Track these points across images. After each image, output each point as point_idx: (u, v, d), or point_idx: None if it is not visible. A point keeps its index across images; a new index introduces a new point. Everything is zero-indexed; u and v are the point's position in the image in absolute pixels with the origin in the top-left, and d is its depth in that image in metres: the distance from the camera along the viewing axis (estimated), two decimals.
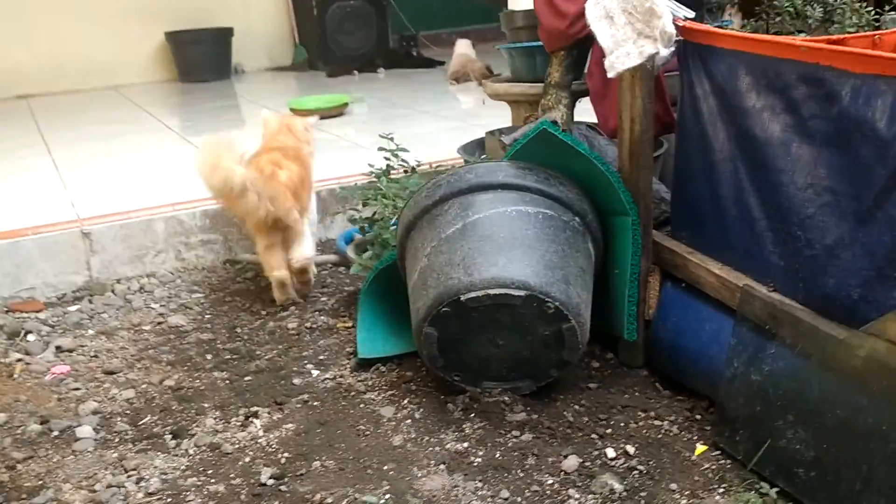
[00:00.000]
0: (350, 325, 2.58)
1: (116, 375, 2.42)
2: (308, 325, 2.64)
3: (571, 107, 2.57)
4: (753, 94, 1.77)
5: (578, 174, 2.06)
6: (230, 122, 5.00)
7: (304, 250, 2.73)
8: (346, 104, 4.89)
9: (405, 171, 2.78)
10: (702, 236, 2.01)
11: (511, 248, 1.90)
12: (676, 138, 2.04)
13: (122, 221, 3.13)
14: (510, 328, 1.93)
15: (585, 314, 1.95)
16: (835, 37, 2.25)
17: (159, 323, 2.77)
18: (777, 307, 1.73)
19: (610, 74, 1.90)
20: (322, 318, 2.68)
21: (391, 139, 2.79)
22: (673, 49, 1.84)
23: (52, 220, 3.09)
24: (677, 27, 1.87)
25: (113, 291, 3.04)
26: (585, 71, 2.59)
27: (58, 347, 2.61)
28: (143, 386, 2.35)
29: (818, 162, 1.66)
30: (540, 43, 2.82)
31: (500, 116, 4.38)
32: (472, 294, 1.87)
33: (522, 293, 1.86)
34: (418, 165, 2.99)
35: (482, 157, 2.64)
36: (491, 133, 2.81)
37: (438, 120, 4.59)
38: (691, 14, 1.90)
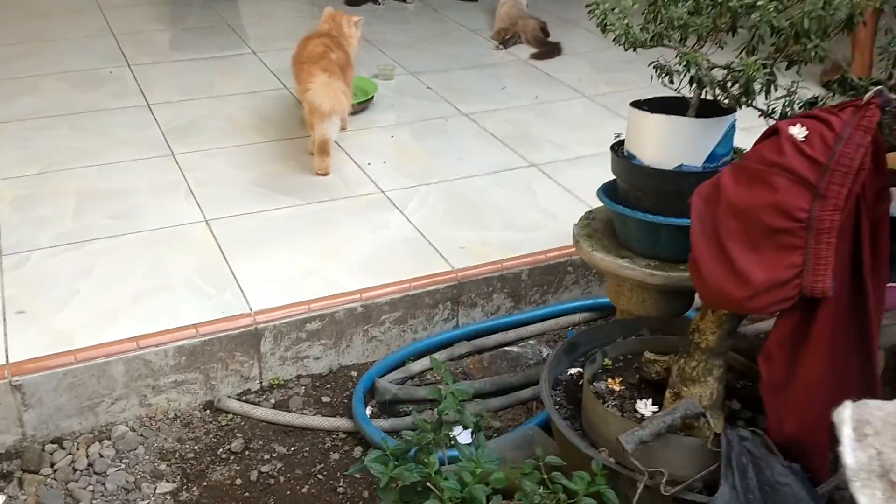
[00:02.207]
0: None
1: None
2: None
3: (724, 379, 1.71)
4: None
5: None
6: (227, 99, 4.03)
7: (329, 131, 3.24)
8: (371, 98, 3.91)
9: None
10: None
11: None
12: None
13: (65, 368, 2.30)
14: None
15: None
16: None
17: None
18: None
19: None
20: None
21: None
22: None
23: None
24: None
25: (52, 466, 2.27)
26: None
27: None
28: None
29: None
30: (670, 221, 1.93)
31: (560, 150, 3.47)
32: None
33: None
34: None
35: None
36: (599, 399, 1.86)
37: (483, 139, 3.65)
38: None
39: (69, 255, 2.77)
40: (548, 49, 4.72)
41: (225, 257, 2.76)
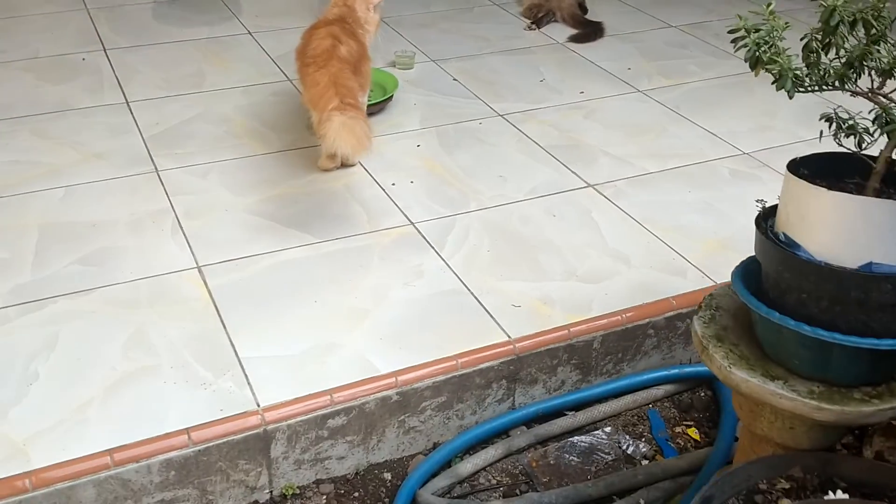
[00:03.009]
0: None
1: None
2: None
3: None
4: None
5: None
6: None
7: None
8: (390, 97, 3.31)
9: None
10: None
11: None
12: None
13: (19, 497, 1.75)
14: None
15: None
16: None
17: None
18: None
19: None
20: None
21: None
22: None
23: None
24: None
25: None
26: None
27: None
28: None
29: None
30: (853, 342, 1.37)
31: (620, 165, 2.51)
32: None
33: None
34: None
35: None
36: None
37: (525, 149, 3.08)
38: None
39: (26, 319, 2.20)
40: (588, 30, 4.11)
41: (223, 323, 2.20)
